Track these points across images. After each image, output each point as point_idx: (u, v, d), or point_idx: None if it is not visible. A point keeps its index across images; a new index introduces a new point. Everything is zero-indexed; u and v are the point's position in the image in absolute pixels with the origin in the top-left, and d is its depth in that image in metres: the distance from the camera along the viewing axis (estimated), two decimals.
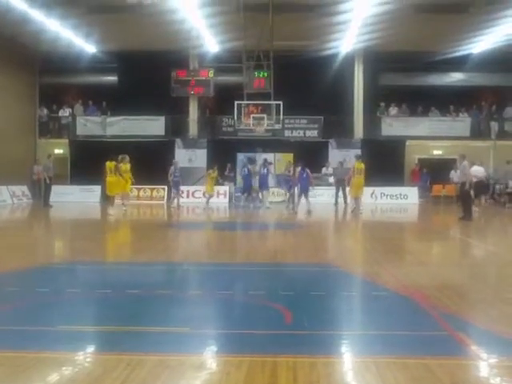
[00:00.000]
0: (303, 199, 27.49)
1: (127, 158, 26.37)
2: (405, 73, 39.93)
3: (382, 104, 39.93)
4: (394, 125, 39.30)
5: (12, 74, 36.55)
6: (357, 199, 26.85)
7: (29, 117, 39.51)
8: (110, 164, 25.59)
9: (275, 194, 35.59)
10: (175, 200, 30.59)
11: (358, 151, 36.58)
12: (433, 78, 40.84)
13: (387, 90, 39.03)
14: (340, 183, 31.85)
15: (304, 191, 27.25)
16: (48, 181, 31.50)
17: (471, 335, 6.72)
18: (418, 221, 28.05)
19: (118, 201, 26.49)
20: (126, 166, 26.19)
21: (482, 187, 31.35)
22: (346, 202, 30.92)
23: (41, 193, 34.31)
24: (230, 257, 14.12)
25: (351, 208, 27.33)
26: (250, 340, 6.44)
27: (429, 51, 36.34)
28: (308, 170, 27.26)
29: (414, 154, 39.51)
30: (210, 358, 5.88)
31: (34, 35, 33.36)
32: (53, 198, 33.87)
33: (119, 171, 25.59)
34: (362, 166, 26.93)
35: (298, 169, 27.72)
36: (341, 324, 7.38)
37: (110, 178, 25.65)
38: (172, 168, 30.43)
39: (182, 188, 32.44)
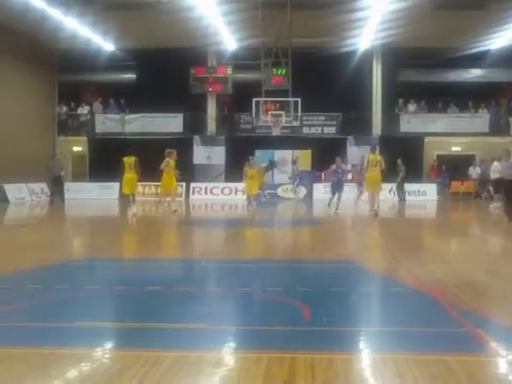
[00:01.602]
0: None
1: (175, 152, 24.69)
2: (423, 69, 39.81)
3: (401, 100, 39.85)
4: (412, 121, 39.20)
5: (31, 72, 36.73)
6: (371, 195, 23.57)
7: (48, 114, 39.72)
8: (128, 159, 23.57)
9: (287, 191, 35.78)
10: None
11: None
12: (451, 74, 40.67)
13: (406, 86, 38.98)
14: (400, 181, 32.14)
15: (339, 189, 25.46)
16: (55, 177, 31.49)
17: (491, 332, 6.67)
18: (436, 217, 27.94)
19: (168, 199, 25.12)
20: (172, 162, 24.42)
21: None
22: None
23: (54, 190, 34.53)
24: (248, 253, 14.12)
25: (370, 208, 23.23)
26: (269, 336, 6.43)
27: (447, 47, 36.23)
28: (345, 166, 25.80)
29: (432, 151, 39.38)
30: (229, 354, 5.88)
31: (53, 33, 33.53)
32: (71, 195, 34.11)
33: (137, 167, 23.48)
34: (378, 157, 23.29)
35: (334, 166, 25.86)
36: (359, 320, 7.36)
37: (128, 175, 23.49)
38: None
39: (200, 185, 32.46)
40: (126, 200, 24.32)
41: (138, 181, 24.45)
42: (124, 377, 5.06)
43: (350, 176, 29.10)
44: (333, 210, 24.92)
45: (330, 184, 26.57)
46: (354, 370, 5.37)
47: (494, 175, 25.68)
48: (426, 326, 6.87)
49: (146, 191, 36.56)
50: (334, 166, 26.01)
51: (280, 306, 8.03)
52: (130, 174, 23.47)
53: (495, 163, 26.83)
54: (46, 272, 10.73)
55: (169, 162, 24.17)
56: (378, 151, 25.23)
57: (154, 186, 35.55)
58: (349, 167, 27.37)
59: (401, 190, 32.98)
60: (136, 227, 20.80)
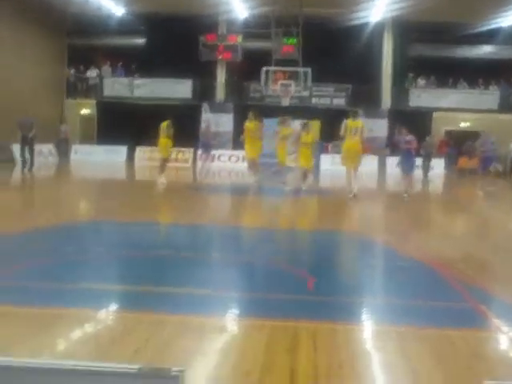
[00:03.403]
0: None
1: (288, 120, 22.94)
2: (434, 44, 39.50)
3: (411, 75, 39.66)
4: (421, 96, 39.02)
5: (41, 35, 36.62)
6: (348, 171, 19.31)
7: (57, 77, 39.64)
8: (163, 124, 22.72)
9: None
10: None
11: (385, 122, 36.47)
12: (462, 50, 40.37)
13: (416, 60, 38.74)
14: (427, 157, 31.16)
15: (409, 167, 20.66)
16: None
17: (494, 308, 6.69)
18: (443, 192, 27.90)
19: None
20: (288, 130, 22.52)
21: None
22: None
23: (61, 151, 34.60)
24: (255, 221, 14.16)
25: (348, 189, 19.00)
26: (272, 304, 6.45)
27: (459, 23, 35.93)
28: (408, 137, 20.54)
29: (441, 126, 39.21)
30: (232, 320, 5.91)
31: None
32: (79, 156, 34.17)
33: (167, 132, 22.42)
34: (360, 123, 19.48)
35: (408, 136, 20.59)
36: (363, 292, 7.37)
37: (160, 139, 22.79)
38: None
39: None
40: (161, 167, 23.07)
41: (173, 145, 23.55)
42: (128, 338, 5.09)
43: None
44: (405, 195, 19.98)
45: (398, 161, 21.36)
46: (357, 341, 5.40)
47: None
48: (430, 300, 6.88)
49: (152, 155, 36.56)
50: (398, 137, 21.53)
51: (285, 275, 8.06)
52: (160, 139, 22.76)
53: None
54: (52, 233, 10.77)
55: (282, 130, 22.35)
56: (358, 117, 20.83)
57: (175, 151, 35.56)
58: (412, 138, 20.49)
59: (427, 167, 32.57)
60: (145, 190, 20.82)
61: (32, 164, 26.68)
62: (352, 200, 18.18)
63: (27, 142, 26.92)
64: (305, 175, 21.51)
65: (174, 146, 23.79)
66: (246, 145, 23.27)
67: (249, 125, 22.99)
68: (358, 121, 19.55)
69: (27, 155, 26.73)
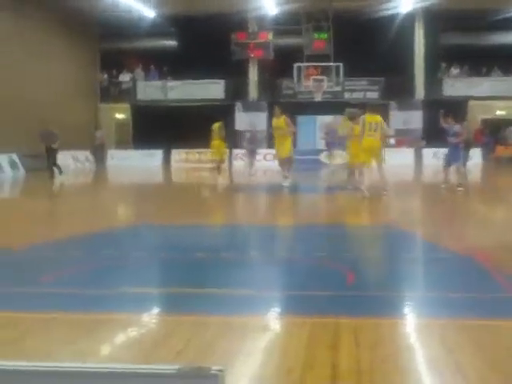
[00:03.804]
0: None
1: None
2: (467, 32, 39.15)
3: (443, 64, 39.37)
4: (455, 85, 38.75)
5: (73, 41, 36.97)
6: (361, 169, 17.94)
7: (90, 82, 40.01)
8: (216, 125, 22.85)
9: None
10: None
11: (420, 113, 36.24)
12: (496, 36, 39.98)
13: (448, 49, 38.42)
14: (466, 146, 29.80)
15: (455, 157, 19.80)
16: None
17: None
18: (481, 182, 27.64)
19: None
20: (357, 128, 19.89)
21: None
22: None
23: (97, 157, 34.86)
24: (292, 219, 14.17)
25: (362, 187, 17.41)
26: (313, 301, 6.45)
27: (491, 9, 35.59)
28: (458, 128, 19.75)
29: (476, 115, 38.86)
30: (273, 319, 5.92)
31: (94, 1, 33.57)
32: (115, 162, 34.43)
33: (219, 134, 22.68)
34: (378, 119, 17.69)
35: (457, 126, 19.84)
36: (403, 285, 7.34)
37: (215, 142, 22.81)
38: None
39: (243, 151, 32.20)
40: (216, 168, 23.24)
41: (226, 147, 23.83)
42: (170, 341, 5.12)
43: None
44: (444, 185, 19.66)
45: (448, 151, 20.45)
46: (398, 335, 5.38)
47: None
48: (470, 291, 6.83)
49: (188, 158, 36.81)
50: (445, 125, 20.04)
51: (324, 271, 8.05)
52: (213, 141, 22.84)
53: None
54: (92, 238, 10.86)
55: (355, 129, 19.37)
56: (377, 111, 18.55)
57: (197, 152, 35.77)
58: (460, 129, 19.61)
59: (466, 156, 31.62)
60: (181, 192, 20.90)
61: (53, 174, 26.73)
62: (386, 196, 17.37)
63: (50, 153, 27.15)
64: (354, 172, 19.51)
65: (227, 147, 23.90)
66: (275, 144, 22.03)
67: (276, 122, 21.51)
68: (376, 115, 17.70)
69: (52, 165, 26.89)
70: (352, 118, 19.26)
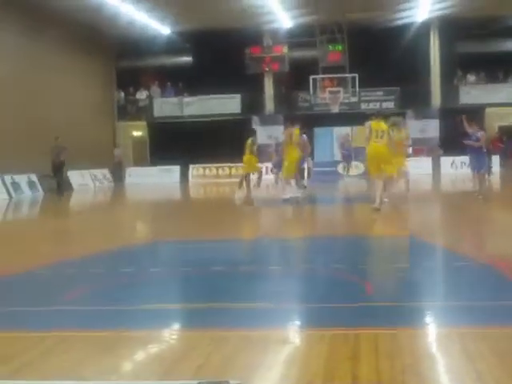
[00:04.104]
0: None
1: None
2: (482, 39, 38.97)
3: (459, 72, 39.26)
4: (472, 92, 38.60)
5: (90, 60, 37.17)
6: (376, 181, 16.87)
7: (107, 100, 40.19)
8: (248, 141, 23.10)
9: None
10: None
11: (436, 121, 36.14)
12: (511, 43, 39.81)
13: (464, 57, 38.30)
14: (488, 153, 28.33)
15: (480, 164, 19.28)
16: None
17: None
18: (499, 190, 27.50)
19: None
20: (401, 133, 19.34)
21: None
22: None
23: (115, 175, 35.04)
24: (308, 231, 14.16)
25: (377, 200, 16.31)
26: (332, 313, 6.45)
27: (505, 15, 35.47)
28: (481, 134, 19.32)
29: (493, 122, 38.68)
30: (293, 332, 5.93)
31: (110, 20, 33.79)
32: (133, 179, 34.58)
33: (251, 149, 22.72)
34: (383, 126, 16.82)
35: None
36: (422, 295, 7.34)
37: (247, 156, 22.87)
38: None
39: (262, 165, 32.16)
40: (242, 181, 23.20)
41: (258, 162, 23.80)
42: (190, 356, 5.14)
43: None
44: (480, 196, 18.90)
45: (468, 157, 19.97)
46: (419, 345, 5.37)
47: None
48: (491, 299, 6.82)
49: (206, 173, 36.92)
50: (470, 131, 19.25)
51: (342, 283, 8.06)
52: (246, 156, 22.89)
53: None
54: (110, 256, 10.91)
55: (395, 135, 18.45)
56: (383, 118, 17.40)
57: (215, 167, 35.95)
58: (482, 134, 19.18)
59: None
60: (199, 208, 20.93)
61: (61, 191, 26.98)
62: (377, 212, 15.88)
63: (56, 168, 27.49)
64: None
65: (258, 162, 23.85)
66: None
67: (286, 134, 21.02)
68: (381, 122, 16.87)
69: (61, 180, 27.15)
70: (394, 126, 18.51)
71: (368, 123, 16.75)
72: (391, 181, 17.42)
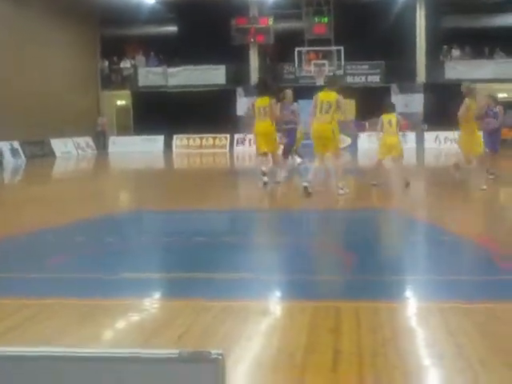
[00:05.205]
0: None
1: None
2: (469, 14, 38.88)
3: (445, 47, 39.20)
4: (458, 68, 38.53)
5: (73, 28, 36.78)
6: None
7: (91, 69, 39.87)
8: (260, 101, 15.84)
9: None
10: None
11: (420, 95, 36.16)
12: (498, 18, 39.66)
13: (450, 32, 38.18)
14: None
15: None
16: None
17: None
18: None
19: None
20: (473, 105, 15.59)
21: None
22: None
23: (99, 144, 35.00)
24: (293, 204, 14.15)
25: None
26: (313, 285, 6.47)
27: None
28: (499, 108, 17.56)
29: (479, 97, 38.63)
30: (274, 303, 5.95)
31: None
32: (116, 148, 34.45)
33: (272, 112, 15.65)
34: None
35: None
36: (404, 269, 7.36)
37: (260, 123, 15.65)
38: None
39: (244, 136, 32.05)
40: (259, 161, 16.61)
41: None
42: (171, 326, 5.14)
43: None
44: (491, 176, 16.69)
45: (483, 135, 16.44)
46: (400, 319, 5.39)
47: None
48: (472, 274, 6.86)
49: (190, 143, 36.84)
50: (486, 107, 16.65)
51: (325, 256, 8.07)
52: (262, 122, 15.64)
53: None
54: (93, 224, 10.87)
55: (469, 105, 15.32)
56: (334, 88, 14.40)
57: (199, 138, 35.85)
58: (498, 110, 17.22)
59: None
60: (181, 178, 20.88)
61: None
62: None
63: None
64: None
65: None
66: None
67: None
68: (332, 93, 13.93)
69: None
70: (468, 94, 15.54)
71: (316, 96, 14.22)
72: (398, 160, 15.70)
